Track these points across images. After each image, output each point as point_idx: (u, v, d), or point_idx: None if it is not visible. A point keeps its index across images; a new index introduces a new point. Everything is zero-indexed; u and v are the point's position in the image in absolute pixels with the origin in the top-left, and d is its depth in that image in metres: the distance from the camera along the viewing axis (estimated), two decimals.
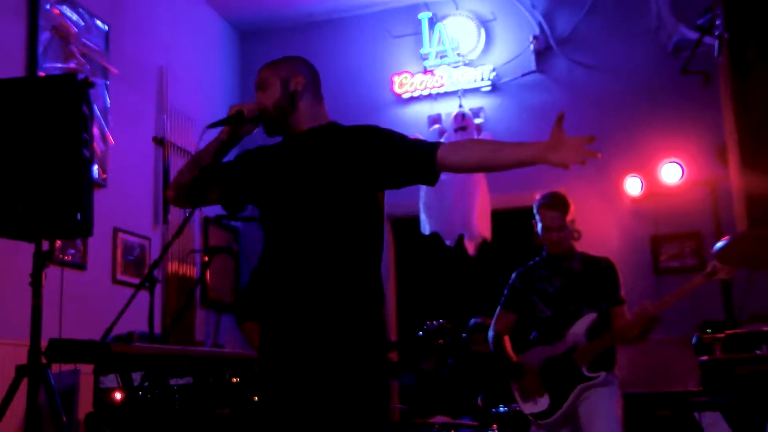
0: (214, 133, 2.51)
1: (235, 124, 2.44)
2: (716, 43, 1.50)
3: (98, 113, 4.82)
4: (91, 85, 2.94)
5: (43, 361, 2.77)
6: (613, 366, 3.61)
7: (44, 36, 4.53)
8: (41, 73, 4.40)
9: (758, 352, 3.11)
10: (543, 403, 3.55)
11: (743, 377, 2.97)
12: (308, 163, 2.39)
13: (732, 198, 1.29)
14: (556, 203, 3.63)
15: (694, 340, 3.60)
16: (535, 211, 3.70)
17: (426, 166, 2.33)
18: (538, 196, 3.72)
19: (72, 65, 4.72)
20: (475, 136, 5.99)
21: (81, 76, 2.93)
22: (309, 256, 2.31)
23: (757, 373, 2.93)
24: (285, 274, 2.33)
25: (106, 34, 5.13)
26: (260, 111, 2.45)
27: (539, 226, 3.66)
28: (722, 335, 3.28)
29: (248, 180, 2.51)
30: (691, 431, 3.34)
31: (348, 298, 2.29)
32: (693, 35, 5.32)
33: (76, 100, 2.81)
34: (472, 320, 5.06)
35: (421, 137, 2.54)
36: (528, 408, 3.62)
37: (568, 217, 3.63)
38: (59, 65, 4.61)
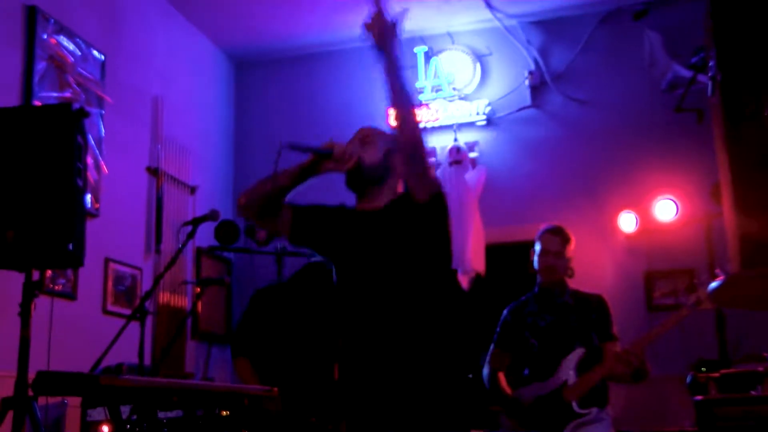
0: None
1: (320, 155, 2.56)
2: (709, 83, 1.50)
3: (92, 142, 4.81)
4: (86, 114, 2.93)
5: (30, 393, 2.73)
6: (605, 403, 3.58)
7: (40, 65, 4.53)
8: (37, 103, 4.40)
9: (753, 392, 3.08)
10: None
11: (738, 418, 2.95)
12: (387, 242, 2.54)
13: (725, 236, 1.29)
14: (559, 231, 3.71)
15: (688, 379, 3.57)
16: (536, 238, 3.73)
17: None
18: (543, 226, 3.78)
19: (67, 94, 4.71)
20: (470, 170, 5.99)
21: (76, 106, 2.92)
22: (385, 315, 2.50)
23: (752, 413, 2.90)
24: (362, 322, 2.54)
25: (102, 63, 5.15)
26: (355, 160, 2.56)
27: (537, 250, 3.68)
28: (717, 374, 3.26)
29: (324, 228, 2.67)
30: None
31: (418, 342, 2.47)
32: (687, 73, 5.36)
33: (70, 130, 2.80)
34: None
35: None
36: None
37: (568, 252, 3.65)
38: (55, 94, 4.61)
